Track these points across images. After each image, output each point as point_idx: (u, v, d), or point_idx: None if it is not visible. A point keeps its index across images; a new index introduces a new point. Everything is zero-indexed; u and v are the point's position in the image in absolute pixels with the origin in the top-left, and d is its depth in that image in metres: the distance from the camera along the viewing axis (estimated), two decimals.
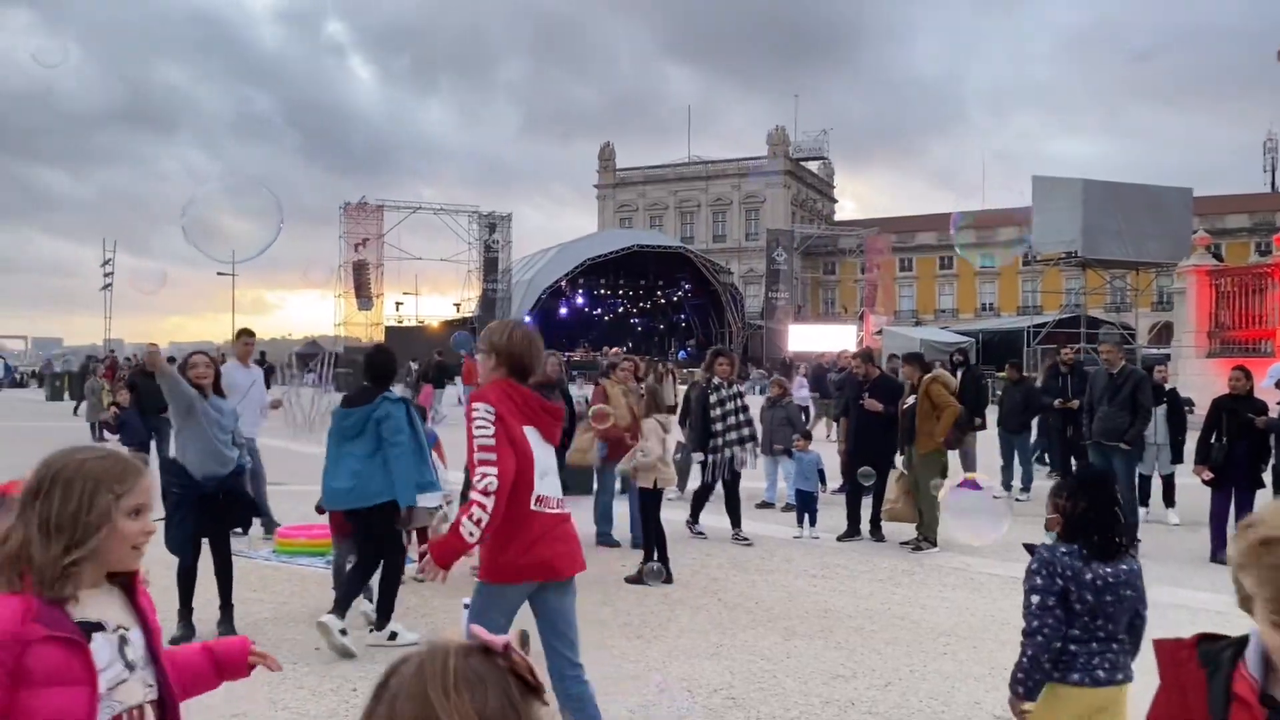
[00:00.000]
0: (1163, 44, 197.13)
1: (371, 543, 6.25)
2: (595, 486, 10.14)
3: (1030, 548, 3.55)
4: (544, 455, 3.91)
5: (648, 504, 8.36)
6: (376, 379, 6.49)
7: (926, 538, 9.27)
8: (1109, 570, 3.36)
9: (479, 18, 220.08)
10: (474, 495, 3.71)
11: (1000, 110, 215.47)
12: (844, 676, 5.60)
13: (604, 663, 5.75)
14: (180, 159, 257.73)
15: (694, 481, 10.77)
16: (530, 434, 3.85)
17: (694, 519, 10.02)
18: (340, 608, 6.02)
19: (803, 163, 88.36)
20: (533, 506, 3.82)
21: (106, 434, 18.38)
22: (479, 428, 3.74)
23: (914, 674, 5.67)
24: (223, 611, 6.32)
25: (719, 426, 9.58)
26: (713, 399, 9.67)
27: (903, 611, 7.05)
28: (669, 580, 7.90)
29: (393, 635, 6.15)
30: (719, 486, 9.89)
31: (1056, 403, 12.34)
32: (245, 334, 10.34)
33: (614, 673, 5.57)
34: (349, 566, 6.48)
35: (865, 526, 10.00)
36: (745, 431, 9.76)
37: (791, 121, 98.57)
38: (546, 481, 3.89)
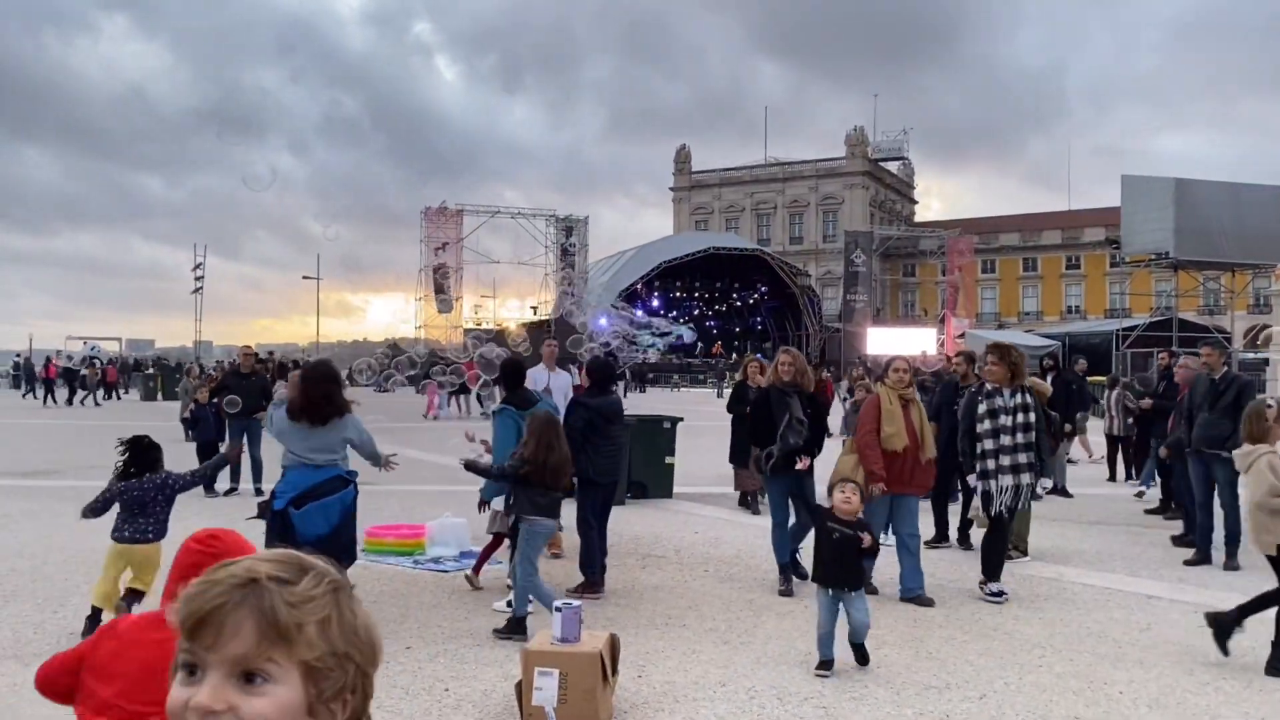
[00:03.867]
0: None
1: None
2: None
3: None
4: None
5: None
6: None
7: (1017, 546, 9.05)
8: None
9: (564, 18, 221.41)
10: None
11: (1101, 104, 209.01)
12: (937, 688, 5.49)
13: (692, 669, 5.73)
14: (269, 163, 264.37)
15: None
16: None
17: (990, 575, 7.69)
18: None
19: (882, 163, 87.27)
20: None
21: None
22: None
23: (1009, 687, 5.53)
24: None
25: (989, 445, 7.43)
26: (982, 409, 7.49)
27: (995, 622, 6.89)
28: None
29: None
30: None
31: (1144, 403, 12.11)
32: (550, 338, 11.20)
33: (702, 679, 5.54)
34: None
35: (953, 534, 9.83)
36: (1022, 458, 7.40)
37: (872, 120, 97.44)
38: None
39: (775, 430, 7.68)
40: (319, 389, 6.33)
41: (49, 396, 35.39)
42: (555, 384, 10.07)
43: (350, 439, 6.43)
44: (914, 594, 7.41)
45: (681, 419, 13.01)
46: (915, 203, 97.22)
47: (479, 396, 28.26)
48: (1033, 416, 7.50)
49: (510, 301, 57.97)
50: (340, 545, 6.20)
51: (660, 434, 12.39)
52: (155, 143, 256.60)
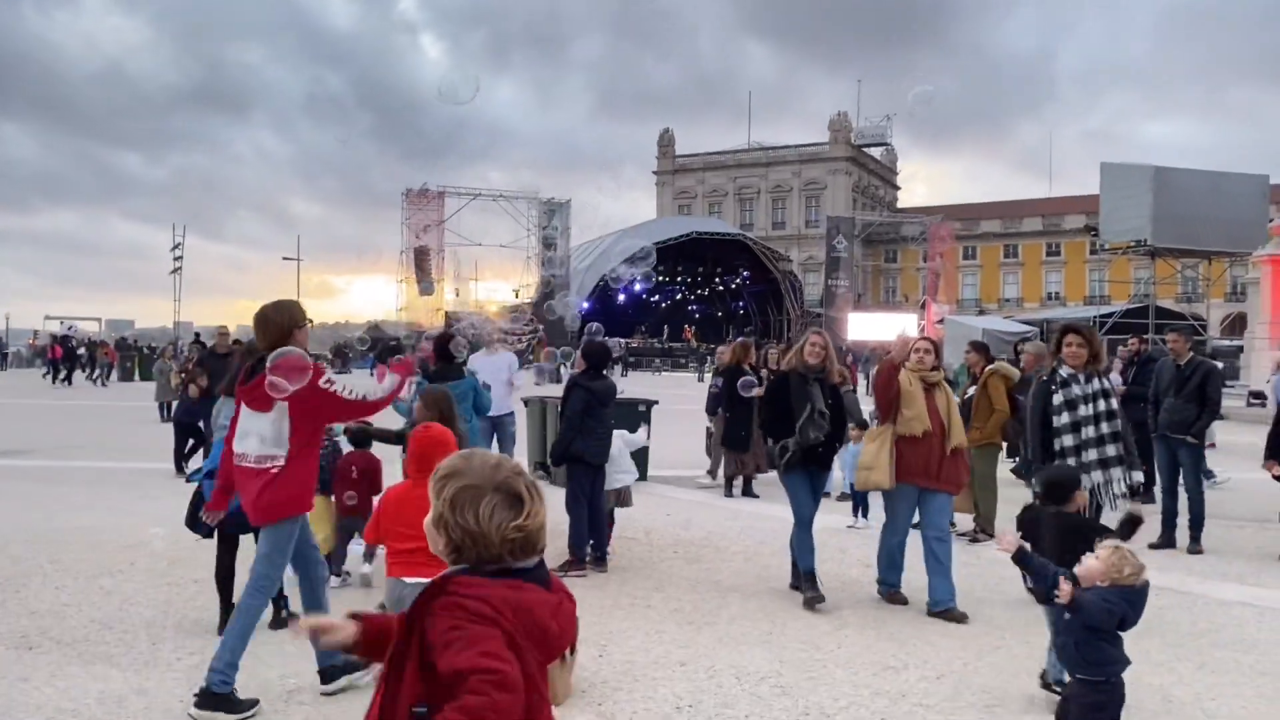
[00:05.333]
0: (1270, 17, 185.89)
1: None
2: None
3: None
4: (248, 421, 4.83)
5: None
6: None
7: (984, 529, 9.14)
8: None
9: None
10: None
11: (1089, 91, 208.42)
12: (895, 668, 5.54)
13: (654, 648, 5.76)
14: (252, 141, 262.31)
15: None
16: (242, 411, 4.88)
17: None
18: None
19: (865, 149, 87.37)
20: (234, 461, 4.87)
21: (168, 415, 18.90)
22: None
23: (967, 667, 5.59)
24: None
25: (1069, 441, 6.47)
26: (1057, 399, 6.52)
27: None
28: None
29: None
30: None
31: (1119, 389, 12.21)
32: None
33: (663, 658, 5.58)
34: None
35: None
36: (1110, 450, 6.46)
37: (857, 105, 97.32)
38: (244, 441, 4.83)
39: (792, 420, 6.91)
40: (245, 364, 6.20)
41: (56, 376, 35.45)
42: (490, 366, 10.19)
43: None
44: (944, 607, 6.67)
45: (657, 402, 13.04)
46: (898, 188, 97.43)
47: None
48: (1114, 403, 6.60)
49: (493, 284, 57.72)
50: (248, 524, 6.07)
51: (635, 417, 12.39)
52: (136, 119, 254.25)
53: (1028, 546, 4.27)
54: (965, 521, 9.28)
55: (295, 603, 6.04)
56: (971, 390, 9.62)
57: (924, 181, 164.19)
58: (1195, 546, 8.85)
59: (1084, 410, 6.46)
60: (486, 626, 1.96)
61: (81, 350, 39.00)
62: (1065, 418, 6.48)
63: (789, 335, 57.82)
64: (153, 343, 51.65)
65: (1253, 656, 5.88)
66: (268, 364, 4.56)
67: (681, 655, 5.65)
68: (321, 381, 4.71)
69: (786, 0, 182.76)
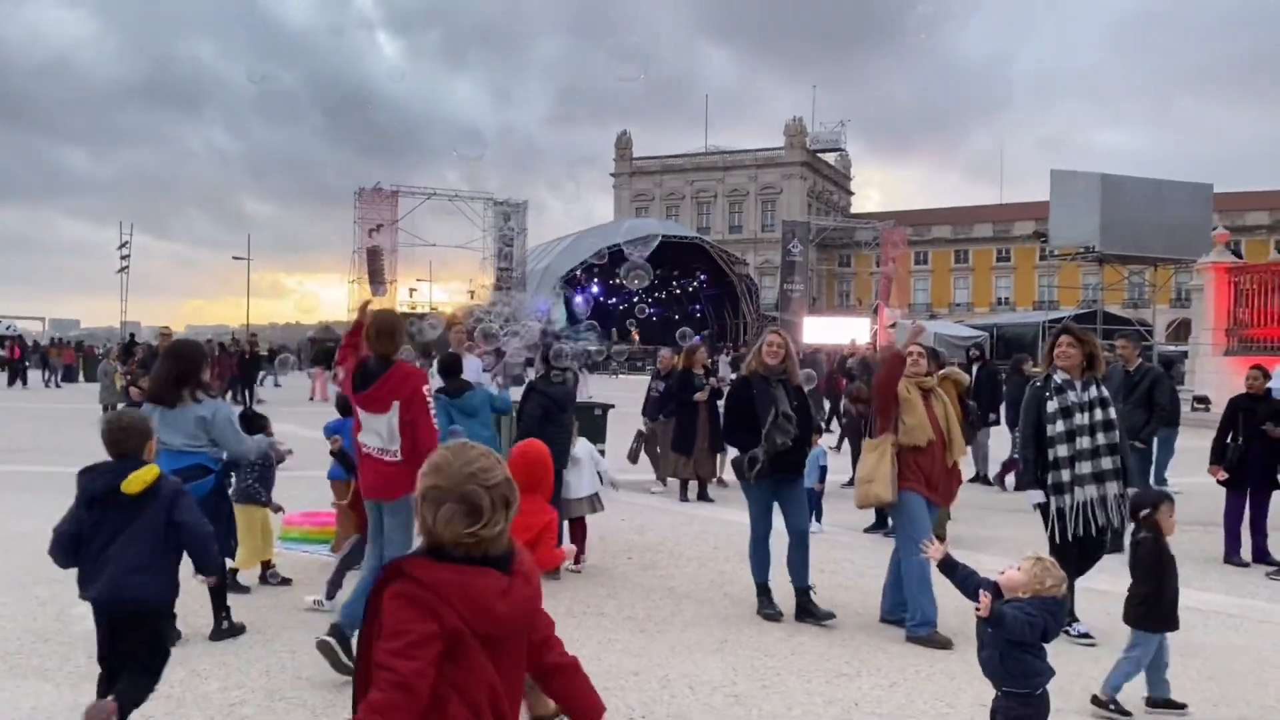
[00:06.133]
0: (1218, 29, 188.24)
1: None
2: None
3: None
4: (369, 421, 5.49)
5: None
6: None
7: (936, 534, 9.16)
8: None
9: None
10: None
11: (1041, 99, 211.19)
12: (848, 675, 5.53)
13: (606, 657, 5.69)
14: (202, 138, 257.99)
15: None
16: (360, 411, 5.56)
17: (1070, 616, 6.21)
18: None
19: (820, 154, 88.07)
20: (362, 450, 5.61)
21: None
22: None
23: (920, 674, 5.59)
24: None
25: (1063, 452, 6.13)
26: (1051, 406, 6.19)
27: None
28: None
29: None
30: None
31: None
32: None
33: (616, 668, 5.51)
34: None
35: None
36: (1106, 463, 6.10)
37: (812, 111, 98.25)
38: (368, 436, 5.51)
39: (757, 427, 6.48)
40: (164, 368, 5.85)
41: (12, 377, 34.55)
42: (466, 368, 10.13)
43: (204, 416, 5.73)
44: (900, 615, 6.47)
45: (613, 405, 12.97)
46: (852, 194, 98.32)
47: None
48: (1112, 412, 6.17)
49: (448, 284, 57.27)
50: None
51: (591, 421, 12.31)
52: (82, 114, 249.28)
53: (953, 555, 4.32)
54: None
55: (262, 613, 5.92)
56: None
57: (877, 188, 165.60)
58: None
59: (1080, 419, 6.10)
60: (421, 619, 2.13)
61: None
62: (1060, 426, 6.13)
63: (746, 339, 58.00)
64: (108, 343, 50.66)
65: (1199, 661, 5.94)
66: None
67: (634, 665, 5.59)
68: (424, 388, 5.45)
69: (744, 5, 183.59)
